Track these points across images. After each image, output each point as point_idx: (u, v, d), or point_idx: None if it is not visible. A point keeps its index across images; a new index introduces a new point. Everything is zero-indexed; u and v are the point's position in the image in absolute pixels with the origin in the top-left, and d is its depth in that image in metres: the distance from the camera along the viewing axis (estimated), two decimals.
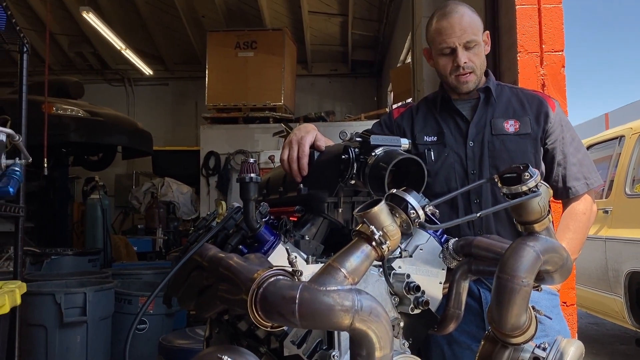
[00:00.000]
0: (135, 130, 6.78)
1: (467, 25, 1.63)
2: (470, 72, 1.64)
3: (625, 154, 4.04)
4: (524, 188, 1.08)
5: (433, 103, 1.76)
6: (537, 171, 1.09)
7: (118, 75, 10.24)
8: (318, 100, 10.03)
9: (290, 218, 1.30)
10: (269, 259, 1.10)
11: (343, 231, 1.34)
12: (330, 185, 1.26)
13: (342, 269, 0.88)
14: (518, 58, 2.27)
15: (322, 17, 8.01)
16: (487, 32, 1.73)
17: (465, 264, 1.28)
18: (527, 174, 1.08)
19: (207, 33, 7.55)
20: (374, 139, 1.20)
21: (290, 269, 0.93)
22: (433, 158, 1.64)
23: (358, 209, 0.96)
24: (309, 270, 1.14)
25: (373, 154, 1.18)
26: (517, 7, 2.29)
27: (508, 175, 1.11)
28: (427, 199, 1.05)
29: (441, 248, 1.31)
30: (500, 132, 1.63)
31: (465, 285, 1.31)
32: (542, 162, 1.64)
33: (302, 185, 1.31)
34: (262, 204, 1.28)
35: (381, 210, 0.93)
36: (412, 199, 0.97)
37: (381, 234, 0.91)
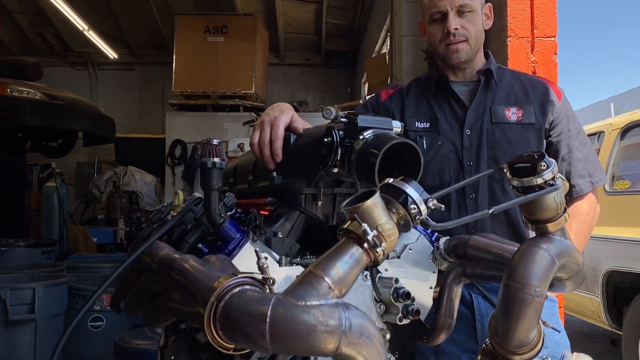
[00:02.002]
0: (97, 116, 6.43)
1: None
2: (462, 41, 1.46)
3: (604, 151, 3.96)
4: (539, 181, 0.91)
5: (426, 85, 1.58)
6: (554, 161, 0.93)
7: (81, 59, 9.78)
8: (290, 90, 9.81)
9: (261, 212, 1.10)
10: (234, 261, 0.91)
11: (322, 227, 1.16)
12: (309, 173, 1.07)
13: (326, 278, 0.70)
14: (508, 43, 2.12)
15: (296, 4, 7.78)
16: (490, 4, 1.56)
17: (458, 267, 1.12)
18: (543, 163, 0.91)
19: (175, 16, 7.23)
20: (361, 120, 1.02)
21: (260, 277, 0.74)
22: (425, 147, 1.46)
23: (346, 201, 0.78)
24: (281, 273, 0.96)
25: (361, 137, 0.99)
26: None
27: (520, 165, 0.94)
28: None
29: (432, 248, 1.15)
30: (501, 120, 1.46)
31: (458, 291, 1.15)
32: None
33: (275, 174, 1.11)
34: (227, 194, 1.08)
35: (375, 204, 0.75)
36: (412, 190, 0.79)
37: (375, 233, 0.73)
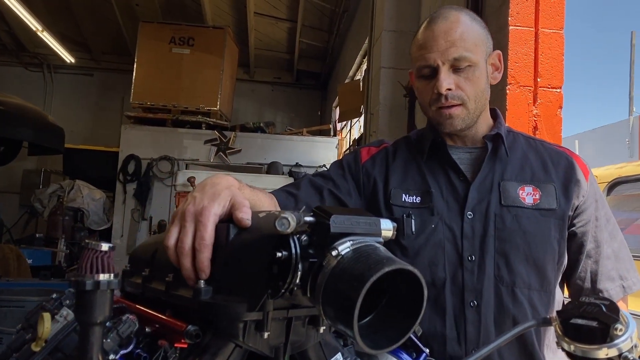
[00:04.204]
0: (43, 125, 5.89)
1: (458, 36, 1.11)
2: (457, 105, 1.12)
3: None
4: (610, 353, 0.57)
5: (418, 147, 1.24)
6: (631, 319, 0.59)
7: (36, 60, 9.17)
8: (258, 109, 9.46)
9: (176, 345, 0.73)
10: None
11: None
12: (252, 294, 0.70)
13: None
14: (507, 91, 1.81)
15: (269, 20, 7.46)
16: (499, 52, 1.23)
17: None
18: (619, 327, 0.57)
19: (139, 23, 6.80)
20: (336, 223, 0.66)
21: None
22: (414, 229, 1.11)
23: None
24: None
25: (334, 252, 0.64)
26: (510, 27, 1.83)
27: (579, 321, 0.60)
28: None
29: None
30: (514, 202, 1.12)
31: None
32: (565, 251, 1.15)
33: (202, 283, 0.74)
34: (125, 317, 0.71)
35: None
36: None
37: None
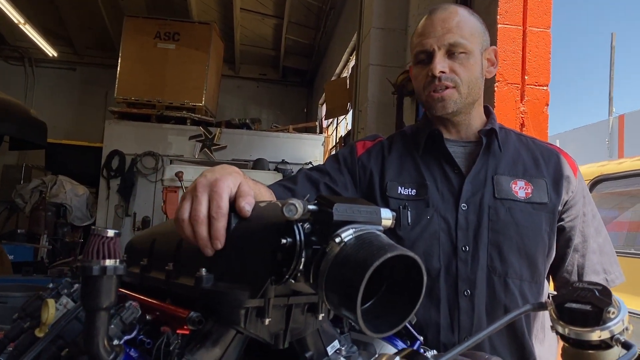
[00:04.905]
0: (25, 119, 5.81)
1: (455, 24, 1.15)
2: (450, 87, 1.15)
3: None
4: (604, 335, 0.60)
5: (414, 140, 1.26)
6: (623, 304, 0.61)
7: (17, 53, 9.03)
8: (243, 105, 9.43)
9: (178, 331, 0.74)
10: None
11: (268, 355, 0.81)
12: (254, 281, 0.71)
13: None
14: (495, 88, 1.85)
15: (256, 16, 7.44)
16: (495, 48, 1.25)
17: None
18: (612, 310, 0.60)
19: (124, 17, 6.73)
20: (339, 211, 0.67)
21: None
22: (410, 221, 1.13)
23: None
24: None
25: (337, 239, 0.65)
26: (499, 25, 1.87)
27: (573, 305, 0.62)
28: None
29: None
30: (507, 195, 1.14)
31: None
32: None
33: (204, 271, 0.75)
34: (128, 304, 0.72)
35: None
36: None
37: None
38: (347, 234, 0.65)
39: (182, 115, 6.38)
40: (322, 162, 1.81)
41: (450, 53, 1.14)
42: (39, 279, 4.72)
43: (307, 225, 0.67)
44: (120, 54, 6.50)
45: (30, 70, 9.14)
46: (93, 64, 9.08)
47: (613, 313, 0.59)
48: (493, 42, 1.92)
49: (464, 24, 1.16)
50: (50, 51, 8.39)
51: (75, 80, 9.29)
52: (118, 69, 6.47)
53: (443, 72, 1.13)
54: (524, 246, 1.12)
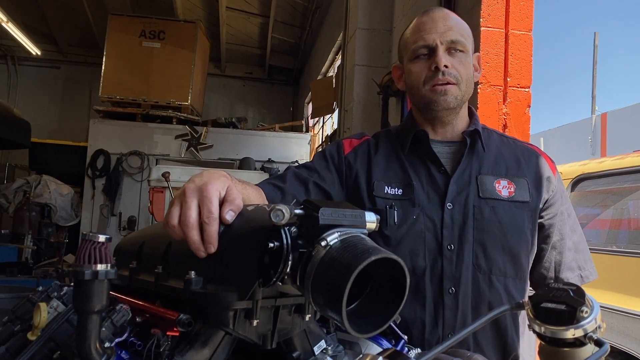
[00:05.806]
0: (8, 118, 5.74)
1: (454, 23, 1.19)
2: (453, 83, 1.17)
3: None
4: (578, 333, 0.63)
5: (399, 140, 1.27)
6: (597, 303, 0.64)
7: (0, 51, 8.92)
8: (229, 104, 9.40)
9: (168, 333, 0.76)
10: None
11: (255, 355, 0.83)
12: (242, 284, 0.73)
13: None
14: (478, 90, 1.88)
15: (241, 15, 7.43)
16: (479, 55, 1.28)
17: None
18: (585, 309, 0.62)
19: (108, 15, 6.68)
20: (324, 215, 0.69)
21: None
22: (396, 220, 1.15)
23: None
24: None
25: (323, 243, 0.67)
26: (481, 28, 1.90)
27: (548, 305, 0.65)
28: None
29: None
30: (490, 195, 1.17)
31: None
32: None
33: (193, 274, 0.77)
34: (118, 307, 0.73)
35: None
36: None
37: None
38: (332, 238, 0.67)
39: (167, 114, 6.36)
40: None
41: (450, 50, 1.17)
42: (23, 280, 4.70)
43: (293, 229, 0.69)
44: (104, 53, 6.45)
45: (13, 68, 9.02)
46: (77, 62, 9.00)
47: (586, 312, 0.62)
48: (476, 45, 1.96)
49: (461, 25, 1.21)
50: (34, 49, 8.29)
51: (59, 79, 9.19)
52: (103, 67, 6.42)
53: (447, 66, 1.15)
54: (508, 244, 1.15)
